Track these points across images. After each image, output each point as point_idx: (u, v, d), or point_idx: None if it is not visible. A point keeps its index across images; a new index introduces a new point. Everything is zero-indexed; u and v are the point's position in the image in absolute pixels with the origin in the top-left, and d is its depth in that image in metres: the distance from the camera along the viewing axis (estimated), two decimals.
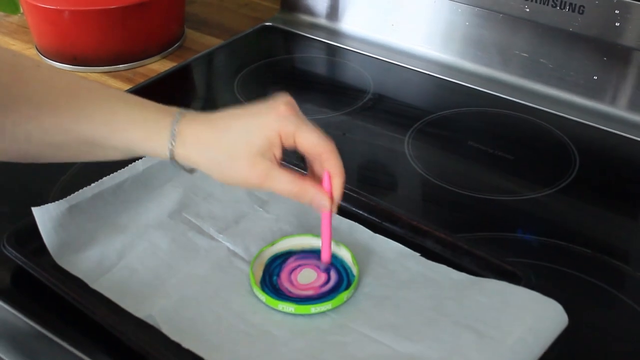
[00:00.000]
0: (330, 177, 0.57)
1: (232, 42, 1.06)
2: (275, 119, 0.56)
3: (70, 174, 0.75)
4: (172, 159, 0.56)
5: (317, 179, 0.58)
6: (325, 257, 0.62)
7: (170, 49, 1.03)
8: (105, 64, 0.98)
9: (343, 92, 0.95)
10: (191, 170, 0.59)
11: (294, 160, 0.60)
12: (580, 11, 0.85)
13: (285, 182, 0.56)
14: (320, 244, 0.62)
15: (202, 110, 0.92)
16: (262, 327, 0.57)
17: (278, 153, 0.56)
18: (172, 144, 0.56)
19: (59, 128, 0.56)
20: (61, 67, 0.99)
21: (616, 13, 0.83)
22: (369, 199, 0.70)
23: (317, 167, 0.58)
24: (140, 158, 0.70)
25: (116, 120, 0.56)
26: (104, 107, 0.57)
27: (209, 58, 1.03)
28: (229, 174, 0.56)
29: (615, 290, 0.63)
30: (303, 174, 0.58)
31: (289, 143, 0.56)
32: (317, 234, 0.65)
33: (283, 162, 0.57)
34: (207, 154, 0.56)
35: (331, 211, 0.59)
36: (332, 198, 0.58)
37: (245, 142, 0.55)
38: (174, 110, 0.57)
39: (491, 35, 0.94)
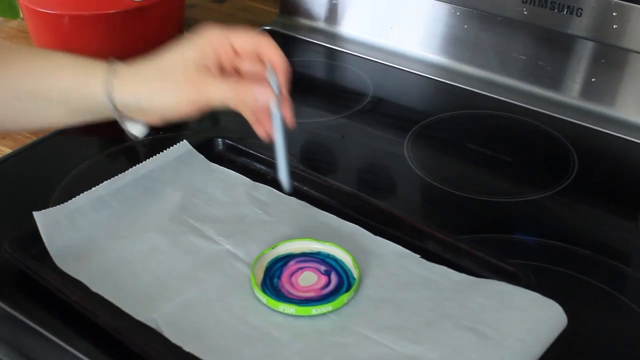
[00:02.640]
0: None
1: None
2: (206, 35, 0.56)
3: (70, 178, 0.75)
4: (111, 98, 0.56)
5: None
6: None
7: None
8: None
9: (342, 95, 0.96)
10: (136, 132, 0.59)
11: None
12: (579, 14, 0.85)
13: (224, 87, 0.56)
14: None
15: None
16: (263, 329, 0.58)
17: (213, 66, 0.56)
18: (110, 82, 0.56)
19: None
20: None
21: (614, 15, 0.83)
22: (369, 201, 0.70)
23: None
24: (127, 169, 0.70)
25: (49, 66, 0.57)
26: (40, 59, 0.58)
27: None
28: (167, 98, 0.56)
29: (615, 291, 0.64)
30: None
31: (225, 51, 0.56)
32: (317, 237, 0.65)
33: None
34: (145, 83, 0.57)
35: (282, 118, 0.58)
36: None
37: (178, 61, 0.56)
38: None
39: (489, 37, 0.94)
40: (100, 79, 0.56)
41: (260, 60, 0.57)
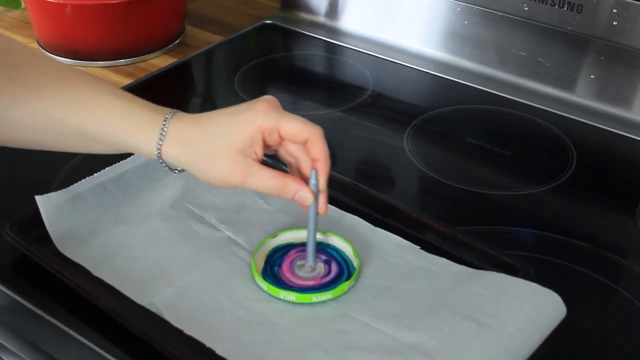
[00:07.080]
0: (317, 174, 0.57)
1: (233, 39, 1.06)
2: (256, 116, 0.56)
3: (73, 164, 0.75)
4: (159, 156, 0.56)
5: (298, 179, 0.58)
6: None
7: (171, 45, 1.04)
8: (106, 59, 0.99)
9: (342, 89, 0.96)
10: (176, 170, 0.59)
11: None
12: (579, 10, 0.86)
13: (267, 178, 0.56)
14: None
15: (202, 105, 0.94)
16: (263, 315, 0.58)
17: (259, 151, 0.56)
18: (160, 141, 0.55)
19: (44, 113, 0.56)
20: (62, 62, 0.99)
21: (614, 12, 0.84)
22: (369, 192, 0.70)
23: (302, 165, 0.58)
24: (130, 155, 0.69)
25: (101, 111, 0.56)
26: (91, 97, 0.56)
27: (209, 54, 1.03)
28: (211, 173, 0.56)
29: (612, 283, 0.64)
30: (285, 171, 0.58)
31: (273, 138, 0.56)
32: (318, 227, 0.65)
33: (267, 160, 0.57)
34: (189, 152, 0.56)
35: (317, 208, 0.59)
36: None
37: (225, 140, 0.55)
38: (165, 109, 0.57)
39: (489, 33, 0.95)
40: (150, 137, 0.55)
41: (304, 146, 0.58)
